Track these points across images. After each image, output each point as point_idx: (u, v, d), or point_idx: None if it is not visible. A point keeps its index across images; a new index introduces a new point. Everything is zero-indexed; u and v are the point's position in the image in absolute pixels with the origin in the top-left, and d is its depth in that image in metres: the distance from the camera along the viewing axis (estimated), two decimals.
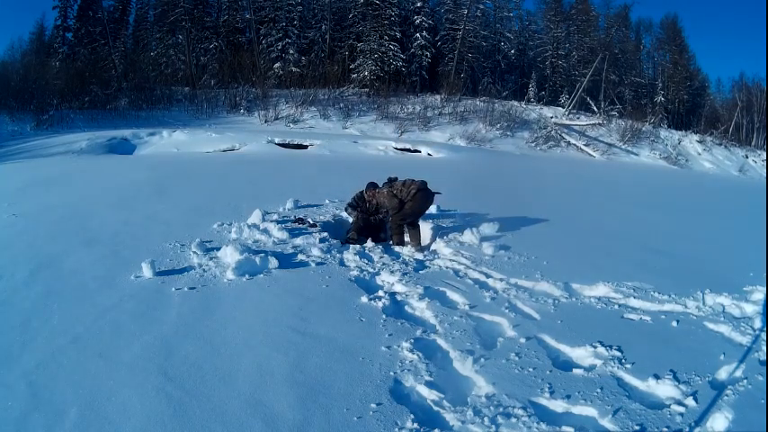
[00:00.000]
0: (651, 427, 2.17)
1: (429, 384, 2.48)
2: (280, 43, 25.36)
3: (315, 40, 27.16)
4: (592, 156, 21.11)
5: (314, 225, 5.41)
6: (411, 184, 5.10)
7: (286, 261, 4.16)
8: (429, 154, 15.45)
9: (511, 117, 23.07)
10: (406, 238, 5.18)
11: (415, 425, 2.16)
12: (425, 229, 5.40)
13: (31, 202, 6.51)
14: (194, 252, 4.26)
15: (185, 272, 3.87)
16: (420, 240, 5.10)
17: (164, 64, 24.51)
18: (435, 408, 2.33)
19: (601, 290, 3.80)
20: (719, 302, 3.53)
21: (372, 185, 5.41)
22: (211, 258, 4.15)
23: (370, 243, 4.96)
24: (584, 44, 31.37)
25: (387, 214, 5.34)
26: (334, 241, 4.89)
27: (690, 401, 2.34)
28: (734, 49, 66.70)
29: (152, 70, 23.02)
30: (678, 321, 3.23)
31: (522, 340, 2.94)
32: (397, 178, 5.33)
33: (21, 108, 17.11)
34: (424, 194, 5.07)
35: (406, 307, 3.46)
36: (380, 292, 3.64)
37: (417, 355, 2.73)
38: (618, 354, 2.77)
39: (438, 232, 5.38)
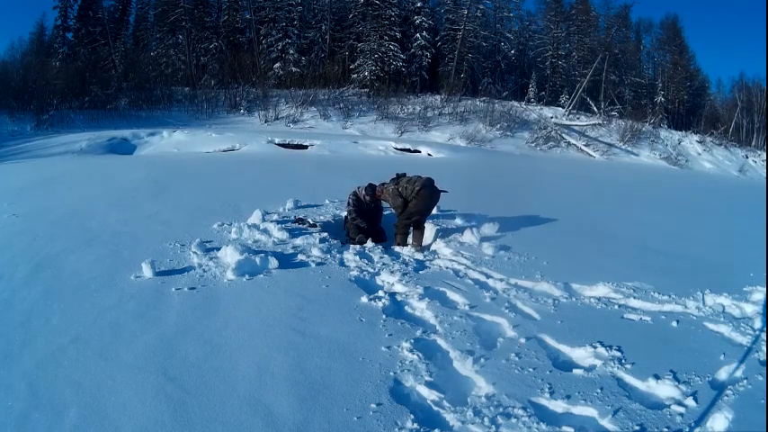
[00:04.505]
0: (651, 427, 2.17)
1: (429, 384, 2.47)
2: (280, 43, 25.37)
3: (315, 40, 27.16)
4: (592, 156, 21.10)
5: (314, 225, 5.41)
6: (416, 181, 5.00)
7: (286, 261, 4.16)
8: (429, 154, 15.46)
9: (511, 117, 23.06)
10: (409, 239, 5.14)
11: (415, 425, 2.16)
12: (426, 229, 5.38)
13: (31, 202, 6.50)
14: (194, 252, 4.26)
15: (185, 272, 3.87)
16: (421, 241, 5.07)
17: (164, 64, 24.50)
18: (435, 408, 2.32)
19: (601, 290, 3.80)
20: (719, 302, 3.53)
21: (372, 188, 5.38)
22: (211, 258, 4.15)
23: (370, 243, 4.96)
24: (584, 44, 31.37)
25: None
26: (334, 241, 4.89)
27: (690, 401, 2.34)
28: (734, 49, 66.84)
29: (152, 70, 23.01)
30: (678, 321, 3.23)
31: (522, 340, 2.94)
32: (405, 174, 5.23)
33: (21, 108, 17.11)
34: (428, 192, 4.96)
35: (406, 307, 3.46)
36: (380, 292, 3.64)
37: (417, 355, 2.73)
38: (618, 354, 2.77)
39: (438, 232, 5.38)
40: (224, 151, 13.77)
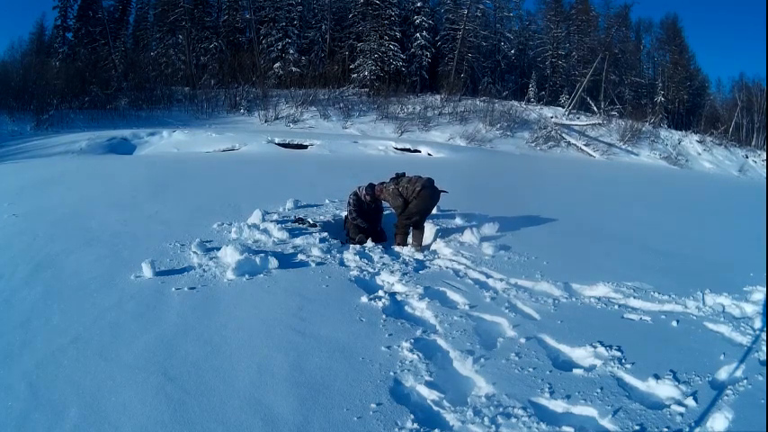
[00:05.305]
0: (651, 427, 2.17)
1: (429, 384, 2.47)
2: (280, 43, 25.37)
3: (315, 40, 27.17)
4: (592, 156, 21.10)
5: (314, 225, 5.41)
6: (417, 182, 5.00)
7: (286, 261, 4.16)
8: (429, 154, 15.46)
9: (511, 117, 23.06)
10: (409, 239, 5.14)
11: (415, 425, 2.16)
12: (426, 229, 5.38)
13: (31, 202, 6.50)
14: (194, 252, 4.26)
15: (185, 272, 3.87)
16: (421, 241, 5.07)
17: (164, 64, 24.51)
18: (435, 408, 2.33)
19: (601, 290, 3.80)
20: (719, 302, 3.53)
21: (372, 187, 5.38)
22: (211, 258, 4.14)
23: (370, 243, 4.96)
24: (584, 44, 31.37)
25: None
26: (334, 241, 4.89)
27: (690, 401, 2.34)
28: (734, 49, 66.85)
29: (152, 70, 23.02)
30: (678, 321, 3.23)
31: (522, 340, 2.94)
32: (404, 174, 5.23)
33: (21, 108, 17.11)
34: (428, 192, 4.97)
35: (406, 307, 3.46)
36: (380, 292, 3.64)
37: (417, 355, 2.73)
38: (618, 354, 2.77)
39: (438, 232, 5.38)
40: (224, 151, 13.77)
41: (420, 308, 3.42)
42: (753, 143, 29.05)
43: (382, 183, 5.33)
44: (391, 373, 2.55)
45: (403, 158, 14.35)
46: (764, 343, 2.88)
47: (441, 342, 2.93)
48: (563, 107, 25.90)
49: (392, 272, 4.07)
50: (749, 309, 3.43)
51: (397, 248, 5.00)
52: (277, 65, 24.97)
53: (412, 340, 2.88)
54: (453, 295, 3.67)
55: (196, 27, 25.75)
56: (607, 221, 6.89)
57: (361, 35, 25.80)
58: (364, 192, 5.34)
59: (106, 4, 26.14)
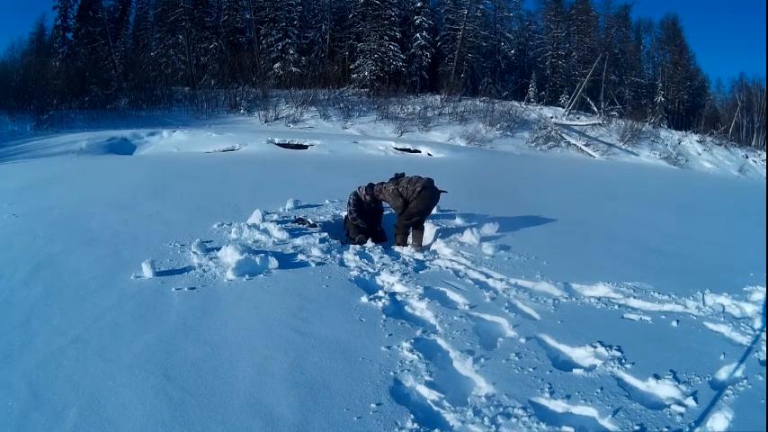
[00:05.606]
0: (651, 427, 2.17)
1: (429, 384, 2.47)
2: (280, 43, 25.38)
3: (315, 40, 27.19)
4: (592, 156, 21.10)
5: (314, 225, 5.41)
6: (417, 182, 5.01)
7: (286, 261, 4.16)
8: (429, 154, 15.46)
9: (511, 117, 23.07)
10: (409, 239, 5.15)
11: (415, 425, 2.16)
12: (426, 229, 5.38)
13: (31, 202, 6.50)
14: (194, 252, 4.26)
15: (185, 272, 3.87)
16: (421, 241, 5.07)
17: (164, 64, 24.52)
18: (435, 408, 2.32)
19: (601, 290, 3.80)
20: (719, 302, 3.53)
21: (372, 187, 5.38)
22: (211, 258, 4.14)
23: (370, 243, 4.96)
24: (584, 44, 31.40)
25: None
26: (335, 241, 4.88)
27: (690, 401, 2.34)
28: (734, 49, 66.93)
29: (152, 70, 23.02)
30: (678, 321, 3.23)
31: (522, 340, 2.94)
32: (404, 174, 5.24)
33: (21, 108, 17.12)
34: (429, 192, 4.97)
35: (406, 307, 3.46)
36: (380, 292, 3.64)
37: (417, 355, 2.73)
38: (618, 354, 2.77)
39: (438, 232, 5.38)
40: (224, 151, 13.77)
41: (420, 308, 3.42)
42: (753, 143, 29.09)
43: (382, 183, 5.33)
44: (391, 373, 2.55)
45: (403, 158, 14.35)
46: (764, 343, 2.88)
47: (441, 342, 2.93)
48: (563, 107, 25.91)
49: (392, 272, 4.07)
50: (749, 309, 3.43)
51: (397, 248, 5.00)
52: (277, 65, 24.98)
53: (412, 340, 2.88)
54: (453, 295, 3.67)
55: (196, 27, 25.76)
56: (607, 221, 6.89)
57: (361, 35, 25.81)
58: (364, 192, 5.34)
59: (106, 4, 26.19)
